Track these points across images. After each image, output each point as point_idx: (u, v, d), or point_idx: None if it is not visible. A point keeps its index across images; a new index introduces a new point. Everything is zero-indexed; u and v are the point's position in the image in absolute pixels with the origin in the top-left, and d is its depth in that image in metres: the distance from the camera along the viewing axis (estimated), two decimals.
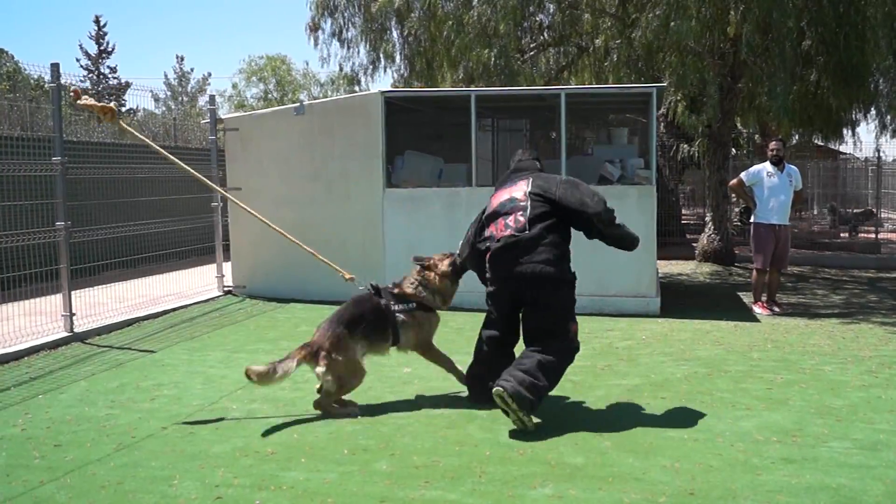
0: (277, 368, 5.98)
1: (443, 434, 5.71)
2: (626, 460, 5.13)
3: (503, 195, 6.37)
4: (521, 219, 6.08)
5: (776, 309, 10.95)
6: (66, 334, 8.97)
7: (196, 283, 12.59)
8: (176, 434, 5.78)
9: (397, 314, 6.33)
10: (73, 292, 9.19)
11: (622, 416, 6.09)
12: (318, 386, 6.22)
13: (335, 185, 11.55)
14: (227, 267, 12.42)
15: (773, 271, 11.18)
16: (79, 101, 6.59)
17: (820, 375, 7.37)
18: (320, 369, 6.01)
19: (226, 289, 12.32)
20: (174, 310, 10.87)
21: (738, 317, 10.45)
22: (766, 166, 11.26)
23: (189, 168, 7.45)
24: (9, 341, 8.48)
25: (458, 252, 6.71)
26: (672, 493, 4.60)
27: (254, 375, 5.99)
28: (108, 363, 8.07)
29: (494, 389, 5.65)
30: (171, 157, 7.28)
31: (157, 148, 7.65)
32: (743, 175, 11.57)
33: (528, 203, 6.14)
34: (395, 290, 6.49)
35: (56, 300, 9.40)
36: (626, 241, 6.30)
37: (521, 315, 6.22)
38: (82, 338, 9.07)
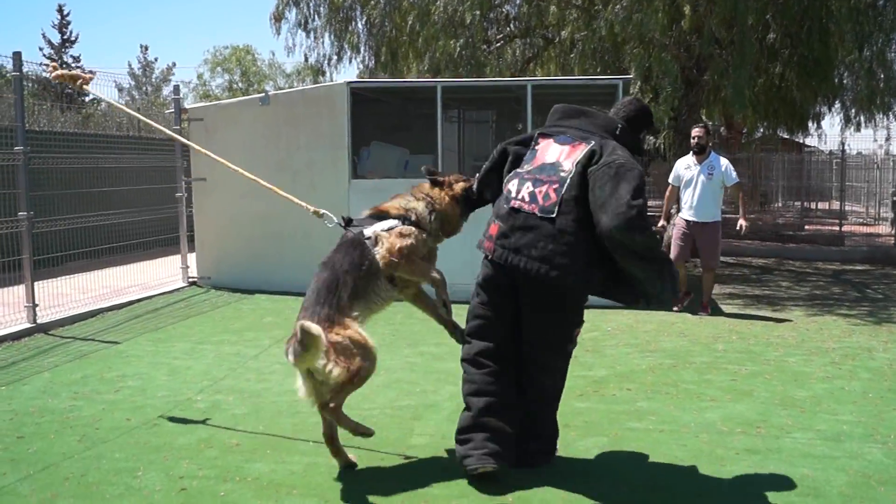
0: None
1: (409, 426, 5.72)
2: (591, 452, 5.16)
3: (550, 152, 4.81)
4: (553, 195, 4.55)
5: (702, 313, 10.01)
6: (28, 325, 8.87)
7: (161, 273, 12.49)
8: (140, 426, 5.73)
9: (374, 235, 4.95)
10: (35, 283, 9.08)
11: (587, 408, 6.12)
12: (301, 388, 4.74)
13: (300, 176, 11.49)
14: (192, 258, 12.32)
15: (705, 271, 10.41)
16: (54, 73, 6.70)
17: (784, 367, 7.45)
18: (321, 362, 4.51)
19: (190, 280, 12.23)
20: (138, 301, 10.78)
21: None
22: (686, 159, 10.48)
23: (174, 133, 7.35)
24: None
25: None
26: (637, 485, 4.63)
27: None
28: (72, 354, 7.99)
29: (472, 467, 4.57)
30: (155, 123, 7.26)
31: (134, 113, 7.54)
32: (670, 180, 10.64)
33: (571, 177, 4.57)
34: (371, 211, 5.25)
35: (18, 291, 9.28)
36: (640, 286, 4.65)
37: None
38: (45, 329, 8.97)
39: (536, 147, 4.92)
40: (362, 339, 4.71)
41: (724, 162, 10.26)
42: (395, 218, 5.06)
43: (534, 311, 4.71)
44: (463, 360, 4.91)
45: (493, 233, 4.73)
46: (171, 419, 5.89)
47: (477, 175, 5.33)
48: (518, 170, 4.87)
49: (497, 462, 4.58)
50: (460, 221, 5.31)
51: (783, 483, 4.66)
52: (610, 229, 4.33)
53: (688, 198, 10.23)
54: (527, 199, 4.63)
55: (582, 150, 4.66)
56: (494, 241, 4.70)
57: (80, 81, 6.67)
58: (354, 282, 4.82)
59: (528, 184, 4.68)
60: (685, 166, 10.34)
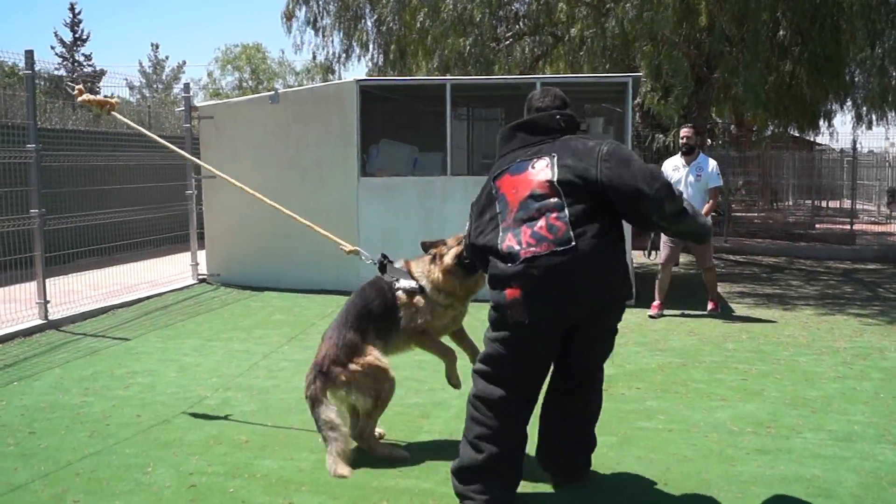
0: (334, 429, 4.88)
1: (417, 423, 5.72)
2: (600, 450, 5.14)
3: (515, 186, 4.28)
4: (559, 224, 4.06)
5: (712, 310, 9.98)
6: (40, 322, 8.91)
7: (171, 271, 12.53)
8: (150, 422, 5.75)
9: (397, 292, 5.04)
10: (47, 280, 9.12)
11: None
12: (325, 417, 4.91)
13: (310, 174, 11.51)
14: (202, 255, 12.35)
15: (704, 270, 10.26)
16: (80, 99, 6.68)
17: (794, 366, 7.42)
18: (344, 390, 4.90)
19: (200, 277, 12.26)
20: (149, 298, 10.81)
21: None
22: (675, 159, 10.28)
23: (185, 153, 7.38)
24: None
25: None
26: (646, 484, 4.63)
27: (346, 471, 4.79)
28: (83, 351, 8.02)
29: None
30: (169, 144, 7.22)
31: (155, 137, 7.51)
32: None
33: (561, 199, 4.12)
34: (405, 265, 5.20)
35: (30, 288, 9.32)
36: (695, 235, 4.65)
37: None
38: (57, 325, 9.00)
39: (499, 190, 4.37)
40: (381, 364, 4.97)
41: (711, 163, 10.05)
42: (414, 280, 5.08)
43: (592, 339, 4.41)
44: (477, 397, 4.30)
45: (517, 295, 4.07)
46: (181, 415, 5.91)
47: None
48: (503, 225, 4.23)
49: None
50: (467, 287, 5.05)
51: (794, 484, 4.64)
52: (660, 201, 4.08)
53: None
54: (533, 242, 4.07)
55: (547, 165, 4.24)
56: (523, 305, 4.06)
57: (107, 108, 6.71)
58: (380, 324, 5.05)
59: (523, 228, 4.12)
60: (673, 167, 10.10)
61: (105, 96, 6.95)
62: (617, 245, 4.25)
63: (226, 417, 5.86)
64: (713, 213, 10.99)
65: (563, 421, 4.58)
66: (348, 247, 5.66)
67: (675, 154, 10.91)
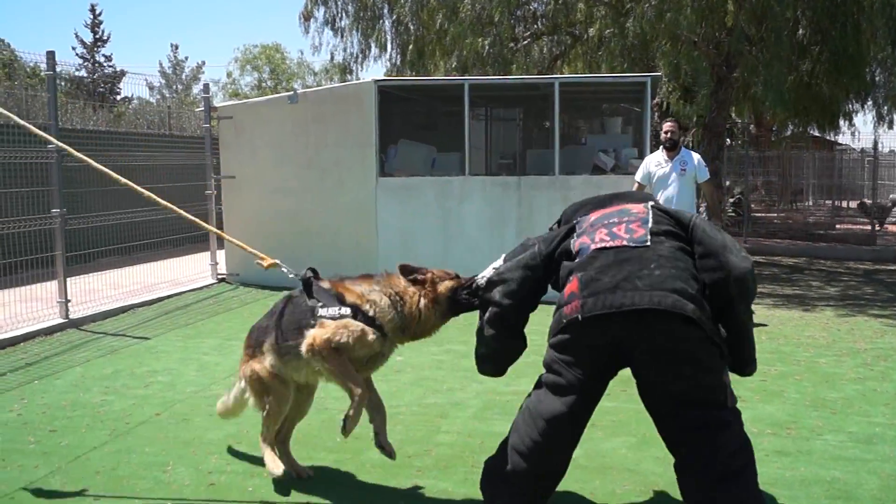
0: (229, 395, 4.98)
1: (435, 423, 5.73)
2: (620, 451, 5.15)
3: (604, 211, 4.12)
4: (639, 230, 3.85)
5: None
6: (61, 320, 8.97)
7: (190, 270, 12.60)
8: (170, 420, 5.79)
9: (321, 318, 4.41)
10: (68, 279, 9.20)
11: (615, 407, 6.09)
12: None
13: (328, 174, 11.54)
14: (221, 255, 12.41)
15: None
16: None
17: (815, 368, 7.38)
18: (241, 385, 4.81)
19: (219, 276, 12.32)
20: (168, 297, 10.87)
21: None
22: (656, 155, 9.57)
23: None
24: (5, 327, 8.48)
25: (484, 274, 4.32)
26: (665, 485, 4.61)
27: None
28: (103, 349, 8.07)
29: None
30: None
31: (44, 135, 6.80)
32: (638, 178, 9.60)
33: (650, 216, 3.94)
34: (336, 288, 4.62)
35: (52, 287, 9.38)
36: (747, 347, 3.96)
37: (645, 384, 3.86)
38: (77, 324, 9.07)
39: (586, 216, 4.16)
40: (270, 380, 4.63)
41: (695, 157, 9.47)
42: (348, 305, 4.43)
43: (664, 362, 3.67)
44: (527, 407, 3.97)
45: (575, 289, 3.72)
46: (201, 414, 5.94)
47: (488, 274, 4.29)
48: (578, 231, 4.05)
49: None
50: (436, 325, 4.56)
51: (814, 485, 4.62)
52: (745, 270, 3.70)
53: (660, 198, 8.90)
54: (607, 238, 3.86)
55: (643, 205, 4.10)
56: (580, 295, 3.67)
57: None
58: (282, 341, 4.58)
59: (602, 229, 3.93)
60: (656, 163, 9.44)
61: None
62: (694, 275, 3.74)
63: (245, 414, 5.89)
64: (732, 214, 10.88)
65: (699, 490, 3.70)
66: (268, 260, 5.21)
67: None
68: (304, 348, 4.34)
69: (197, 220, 5.83)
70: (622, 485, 4.62)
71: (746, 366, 4.04)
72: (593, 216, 4.09)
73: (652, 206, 4.04)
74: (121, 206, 11.55)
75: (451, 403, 6.20)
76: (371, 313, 4.38)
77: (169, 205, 5.66)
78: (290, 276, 4.84)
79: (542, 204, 10.63)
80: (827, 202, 23.06)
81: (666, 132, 9.47)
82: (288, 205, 11.48)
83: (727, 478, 3.58)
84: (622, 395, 6.38)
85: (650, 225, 3.88)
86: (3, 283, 9.36)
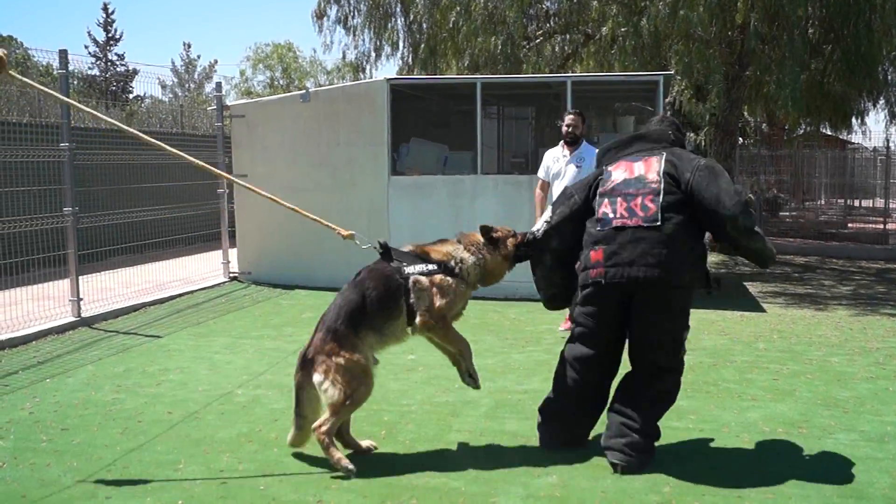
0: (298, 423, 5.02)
1: (447, 422, 5.72)
2: None
3: (625, 170, 5.05)
4: (651, 205, 4.82)
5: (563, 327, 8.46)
6: (73, 319, 9.00)
7: (202, 268, 12.63)
8: (181, 419, 5.80)
9: (411, 276, 4.96)
10: (80, 277, 9.22)
11: None
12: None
13: (340, 173, 11.56)
14: (233, 253, 12.44)
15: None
16: None
17: (826, 367, 7.36)
18: (318, 378, 4.81)
19: (231, 275, 12.34)
20: (180, 295, 10.90)
21: (743, 307, 10.44)
22: (555, 150, 9.10)
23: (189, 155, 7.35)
24: (17, 326, 8.51)
25: (536, 228, 5.40)
26: (676, 484, 4.60)
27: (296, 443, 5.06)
28: (115, 348, 8.10)
29: (611, 463, 4.83)
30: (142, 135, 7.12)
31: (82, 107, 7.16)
32: (539, 174, 9.21)
33: (662, 186, 4.86)
34: (414, 250, 5.17)
35: (64, 285, 9.42)
36: (761, 256, 5.09)
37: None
38: (89, 322, 9.10)
39: (609, 170, 5.14)
40: (367, 366, 4.87)
41: (594, 150, 8.20)
42: (435, 263, 5.03)
43: (649, 315, 4.91)
44: (563, 356, 5.21)
45: (600, 258, 4.87)
46: (212, 413, 5.95)
47: (541, 226, 5.35)
48: (601, 190, 5.06)
49: (558, 446, 5.11)
50: (503, 275, 5.36)
51: (825, 484, 4.60)
52: (735, 216, 4.70)
53: (557, 191, 8.37)
54: (626, 214, 4.86)
55: (657, 161, 4.98)
56: (604, 264, 4.84)
57: None
58: (375, 318, 4.91)
59: (620, 199, 4.93)
60: (553, 158, 9.02)
61: None
62: (693, 242, 4.89)
63: (248, 415, 5.90)
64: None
65: (625, 389, 5.09)
66: (344, 231, 5.60)
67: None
68: (418, 324, 4.92)
69: (240, 181, 5.75)
70: (633, 483, 4.60)
71: (766, 265, 5.34)
72: (616, 170, 5.07)
73: (664, 174, 4.88)
74: (133, 204, 11.60)
75: (463, 402, 6.19)
76: (457, 269, 5.05)
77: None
78: (364, 246, 5.37)
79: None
80: (839, 201, 22.95)
81: (567, 126, 8.92)
82: (300, 203, 11.36)
83: (648, 400, 4.98)
84: None
85: (661, 200, 4.81)
86: (16, 281, 9.39)
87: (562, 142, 9.00)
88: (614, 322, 5.01)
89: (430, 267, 4.99)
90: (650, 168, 4.97)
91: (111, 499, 4.43)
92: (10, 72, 6.16)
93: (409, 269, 4.97)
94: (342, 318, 4.89)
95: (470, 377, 5.14)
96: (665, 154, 5.01)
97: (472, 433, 5.48)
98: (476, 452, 5.11)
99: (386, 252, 5.14)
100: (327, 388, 4.76)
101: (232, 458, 5.03)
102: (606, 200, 4.98)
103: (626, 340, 5.10)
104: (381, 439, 5.33)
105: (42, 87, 6.83)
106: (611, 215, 4.91)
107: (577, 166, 8.76)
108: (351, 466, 4.71)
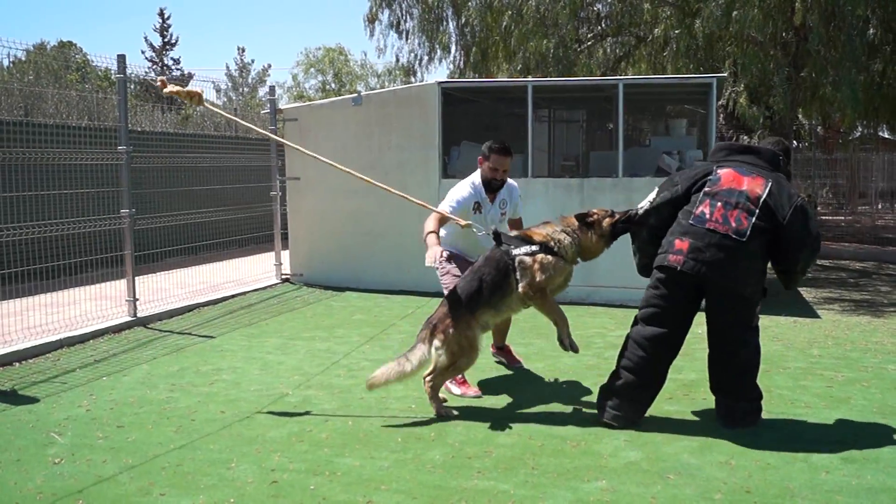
0: (404, 364, 5.83)
1: (496, 425, 5.72)
2: (681, 456, 5.09)
3: (734, 179, 5.54)
4: (745, 221, 5.37)
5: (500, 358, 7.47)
6: (129, 319, 9.15)
7: (255, 270, 12.76)
8: (234, 418, 5.87)
9: (517, 257, 5.83)
10: (136, 278, 9.36)
11: (677, 411, 6.04)
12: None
13: (392, 176, 11.57)
14: (286, 255, 12.55)
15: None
16: (165, 90, 6.63)
17: (883, 374, 7.22)
18: (437, 343, 5.83)
19: (283, 276, 12.46)
20: (233, 296, 11.02)
21: (797, 312, 10.29)
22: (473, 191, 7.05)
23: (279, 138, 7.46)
24: (76, 325, 8.66)
25: (640, 206, 5.96)
26: (728, 490, 4.56)
27: (380, 382, 5.86)
28: (169, 347, 8.22)
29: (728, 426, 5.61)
30: (263, 131, 7.30)
31: (241, 121, 7.63)
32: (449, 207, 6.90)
33: (759, 209, 5.39)
34: (521, 233, 6.10)
35: (120, 285, 9.59)
36: (795, 284, 5.94)
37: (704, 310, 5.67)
38: (145, 322, 9.24)
39: (719, 173, 5.60)
40: (474, 342, 5.89)
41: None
42: (537, 244, 5.84)
43: (720, 307, 5.51)
44: (630, 336, 5.70)
45: (684, 248, 5.43)
46: (264, 413, 6.02)
47: (644, 205, 5.90)
48: (707, 190, 5.55)
49: (620, 424, 5.59)
50: (602, 251, 6.10)
51: (881, 494, 4.52)
52: (808, 259, 5.54)
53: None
54: (720, 220, 5.39)
55: (762, 184, 5.46)
56: (686, 255, 5.40)
57: (196, 98, 6.66)
58: (492, 296, 5.85)
59: (720, 205, 5.44)
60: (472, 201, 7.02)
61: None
62: (763, 263, 5.57)
63: (300, 415, 5.95)
64: None
65: (714, 370, 5.76)
66: (463, 222, 6.26)
67: None
68: (521, 290, 5.80)
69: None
70: (683, 490, 4.57)
71: (790, 288, 6.09)
72: (725, 175, 5.54)
73: (764, 200, 5.38)
74: (187, 206, 11.77)
75: (513, 404, 6.19)
76: (556, 249, 5.85)
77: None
78: (480, 234, 6.20)
79: (605, 206, 10.53)
80: None
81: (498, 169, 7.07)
82: (352, 206, 11.57)
83: (738, 372, 5.61)
84: (684, 399, 6.34)
85: (754, 220, 5.35)
86: (75, 281, 9.57)
87: (480, 182, 7.09)
88: (682, 306, 5.56)
89: (534, 248, 5.83)
90: (755, 187, 5.44)
91: (165, 496, 4.51)
92: (205, 103, 6.91)
93: (515, 251, 5.84)
94: (463, 300, 5.86)
95: (562, 343, 5.92)
96: (771, 182, 5.47)
97: (522, 436, 5.48)
98: (525, 456, 5.11)
99: (497, 238, 6.00)
100: (441, 354, 5.81)
101: (283, 457, 5.09)
102: (708, 200, 5.49)
103: (690, 325, 5.68)
104: (430, 441, 5.36)
105: (249, 124, 7.12)
106: (707, 215, 5.43)
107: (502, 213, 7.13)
108: (455, 412, 5.88)
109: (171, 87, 6.58)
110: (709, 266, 5.34)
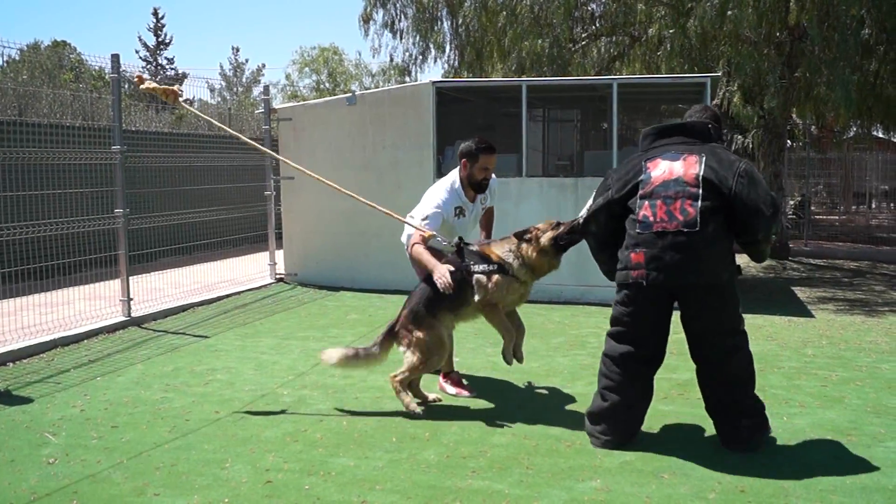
0: (360, 353, 6.05)
1: (491, 424, 5.72)
2: (676, 455, 5.10)
3: (665, 169, 5.15)
4: (691, 210, 4.96)
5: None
6: (123, 318, 9.14)
7: (249, 270, 12.76)
8: (228, 418, 5.87)
9: (475, 274, 5.94)
10: (130, 278, 9.35)
11: (672, 411, 6.05)
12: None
13: (386, 175, 11.61)
14: (280, 255, 12.55)
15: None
16: (142, 86, 6.62)
17: (876, 373, 7.24)
18: (402, 348, 5.99)
19: (278, 276, 12.45)
20: (228, 296, 11.02)
21: (791, 312, 10.31)
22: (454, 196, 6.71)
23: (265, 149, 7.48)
24: (70, 325, 8.65)
25: (580, 216, 5.69)
26: (722, 490, 4.56)
27: (333, 360, 6.01)
28: (164, 347, 8.21)
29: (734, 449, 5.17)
30: (241, 136, 7.32)
31: (220, 124, 7.73)
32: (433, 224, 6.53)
33: (700, 191, 5.00)
34: (480, 249, 6.09)
35: (114, 285, 9.58)
36: (763, 256, 5.45)
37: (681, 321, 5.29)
38: (139, 322, 9.23)
39: (649, 170, 5.22)
40: (443, 340, 6.01)
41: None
42: (494, 263, 5.95)
43: (698, 313, 5.16)
44: (606, 355, 5.35)
45: (641, 260, 5.07)
46: (258, 413, 6.01)
47: (584, 213, 5.64)
48: (641, 192, 5.17)
49: (611, 445, 5.24)
50: (552, 265, 6.00)
51: (875, 493, 4.53)
52: (768, 224, 5.00)
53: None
54: (665, 218, 5.01)
55: (697, 161, 5.10)
56: (646, 267, 5.04)
57: (171, 96, 6.65)
58: (450, 302, 5.94)
59: (659, 202, 5.06)
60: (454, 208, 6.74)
61: (168, 85, 6.84)
62: (727, 242, 5.11)
63: (294, 415, 5.95)
64: (792, 216, 10.75)
65: (706, 387, 5.36)
66: (428, 232, 6.23)
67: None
68: (477, 300, 5.93)
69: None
70: (678, 489, 4.58)
71: (761, 262, 5.85)
72: (655, 170, 5.17)
73: (703, 176, 5.01)
74: (182, 206, 11.75)
75: (507, 404, 6.20)
76: (508, 268, 5.93)
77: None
78: (444, 244, 6.26)
79: None
80: (891, 205, 22.57)
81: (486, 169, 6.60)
82: (346, 206, 11.51)
83: (732, 384, 5.21)
84: (679, 398, 6.35)
85: (700, 204, 4.96)
86: (69, 281, 9.56)
87: (460, 185, 6.71)
88: (653, 320, 5.19)
89: (491, 267, 5.94)
90: (689, 169, 5.08)
91: (159, 496, 4.50)
92: (181, 101, 6.90)
93: (474, 268, 5.96)
94: (422, 302, 5.99)
95: (505, 357, 6.05)
96: (705, 155, 5.12)
97: (516, 436, 5.48)
98: (519, 455, 5.11)
99: (459, 251, 6.13)
100: (408, 356, 5.94)
101: (277, 457, 5.08)
102: (647, 203, 5.11)
103: (667, 333, 5.29)
104: (425, 441, 5.36)
105: (238, 134, 7.15)
106: (651, 219, 5.06)
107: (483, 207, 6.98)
108: (418, 410, 5.90)
109: (147, 84, 6.58)
110: (674, 270, 4.97)
